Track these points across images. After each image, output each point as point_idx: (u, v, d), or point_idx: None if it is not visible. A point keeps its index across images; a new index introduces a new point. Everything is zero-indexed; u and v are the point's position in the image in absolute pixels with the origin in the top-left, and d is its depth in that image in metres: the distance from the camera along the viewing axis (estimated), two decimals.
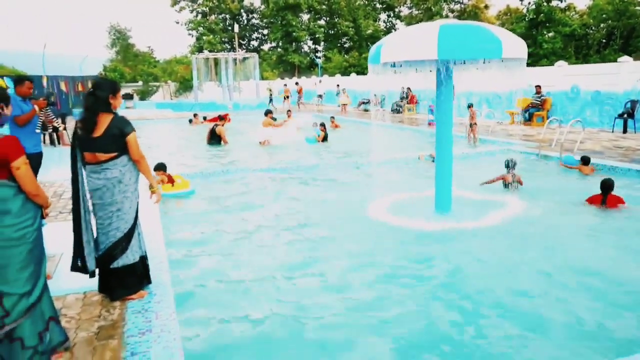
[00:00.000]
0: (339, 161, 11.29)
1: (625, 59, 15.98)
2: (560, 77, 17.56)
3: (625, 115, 14.54)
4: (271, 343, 3.81)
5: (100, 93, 3.93)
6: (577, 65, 19.56)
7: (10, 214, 2.99)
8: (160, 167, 8.47)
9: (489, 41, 5.75)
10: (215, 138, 15.07)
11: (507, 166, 8.41)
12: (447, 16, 57.08)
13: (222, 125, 15.70)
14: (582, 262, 5.32)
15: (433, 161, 8.52)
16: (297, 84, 33.74)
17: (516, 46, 5.98)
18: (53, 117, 14.05)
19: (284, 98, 30.86)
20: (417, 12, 59.07)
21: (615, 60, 16.99)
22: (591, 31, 46.97)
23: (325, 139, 15.17)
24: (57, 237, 5.70)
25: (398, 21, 64.74)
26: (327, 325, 4.04)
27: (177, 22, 63.58)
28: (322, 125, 15.49)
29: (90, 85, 4.47)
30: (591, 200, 7.25)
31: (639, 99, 14.63)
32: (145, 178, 4.18)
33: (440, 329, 3.98)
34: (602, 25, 46.47)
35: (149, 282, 4.24)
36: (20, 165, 3.03)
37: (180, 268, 5.17)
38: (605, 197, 7.09)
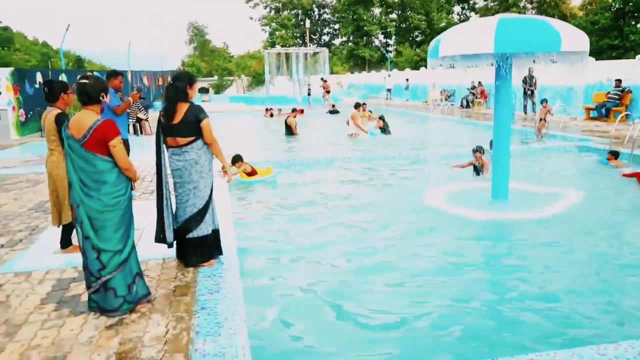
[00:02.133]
0: (400, 153, 11.51)
1: None
2: None
3: None
4: (322, 314, 4.22)
5: (179, 84, 4.50)
6: None
7: (107, 184, 3.63)
8: (238, 159, 9.06)
9: (548, 34, 5.82)
10: (288, 129, 15.86)
11: (474, 150, 8.80)
12: (524, 7, 54.93)
13: (294, 117, 16.34)
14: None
15: (477, 174, 8.70)
16: (322, 79, 33.22)
17: (577, 39, 6.00)
18: (141, 107, 15.72)
19: (325, 93, 31.08)
20: (492, 3, 57.24)
21: None
22: None
23: (384, 131, 15.41)
24: (140, 213, 6.41)
25: (473, 13, 63.02)
26: (374, 305, 4.35)
27: (251, 18, 65.80)
28: (381, 118, 15.77)
29: (170, 78, 5.07)
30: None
31: None
32: (218, 159, 4.70)
33: (493, 315, 4.16)
34: None
35: (220, 252, 4.77)
36: (117, 144, 3.62)
37: (247, 243, 5.72)
38: None
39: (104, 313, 3.72)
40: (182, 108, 4.44)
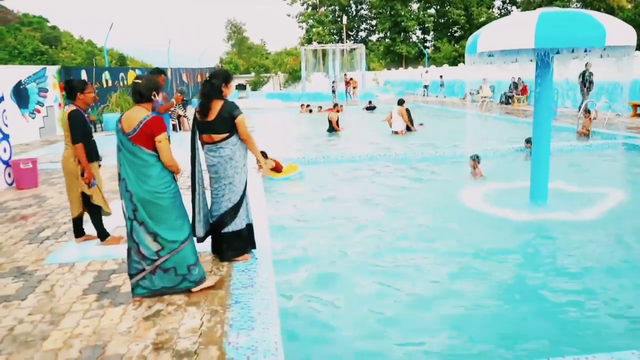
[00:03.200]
0: (435, 152, 11.37)
1: None
2: None
3: None
4: (355, 311, 4.23)
5: (215, 81, 4.57)
6: None
7: (152, 177, 3.86)
8: (263, 155, 9.16)
9: (591, 28, 5.63)
10: (330, 125, 15.95)
11: (471, 159, 8.67)
12: (569, 1, 53.19)
13: (336, 112, 16.39)
14: None
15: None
16: (345, 75, 32.83)
17: (622, 33, 5.77)
18: (183, 109, 16.33)
19: (352, 89, 30.82)
20: None
21: None
22: None
23: (407, 128, 15.36)
24: None
25: (514, 7, 61.43)
26: (409, 304, 4.35)
27: (289, 15, 65.66)
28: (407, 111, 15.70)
29: (207, 75, 5.16)
30: None
31: None
32: (253, 155, 4.75)
33: (529, 317, 4.09)
34: None
35: (254, 247, 4.84)
36: (162, 140, 3.86)
37: (280, 239, 5.79)
38: None
39: (157, 294, 3.95)
40: (217, 105, 4.51)
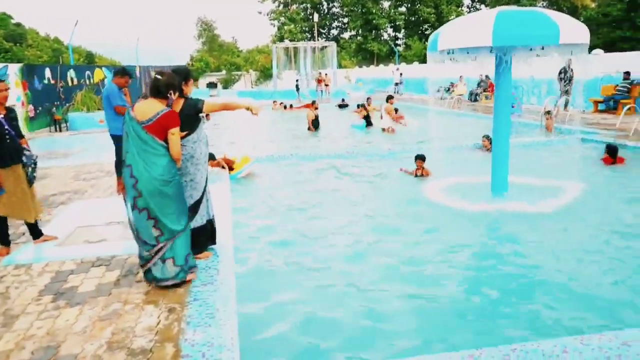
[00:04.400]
0: (400, 147, 11.50)
1: None
2: None
3: None
4: (314, 306, 4.27)
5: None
6: None
7: (160, 166, 3.99)
8: (210, 157, 8.97)
9: (546, 27, 5.79)
10: (315, 122, 15.87)
11: (417, 158, 8.66)
12: (535, 0, 54.23)
13: (314, 109, 16.30)
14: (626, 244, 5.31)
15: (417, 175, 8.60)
16: (320, 73, 32.98)
17: (576, 31, 5.96)
18: None
19: (324, 86, 31.00)
20: None
21: None
22: None
23: (369, 123, 15.49)
24: None
25: (483, 6, 62.41)
26: (370, 298, 4.41)
27: (260, 13, 65.55)
28: (362, 106, 15.97)
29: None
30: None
31: None
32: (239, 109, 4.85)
33: (489, 303, 4.23)
34: None
35: (213, 242, 4.83)
36: (175, 132, 4.05)
37: (243, 235, 5.81)
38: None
39: (159, 284, 4.04)
40: (178, 103, 4.49)
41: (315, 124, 15.71)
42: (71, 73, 20.21)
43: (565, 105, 16.65)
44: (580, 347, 3.03)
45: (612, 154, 9.08)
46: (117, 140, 7.12)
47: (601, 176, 8.52)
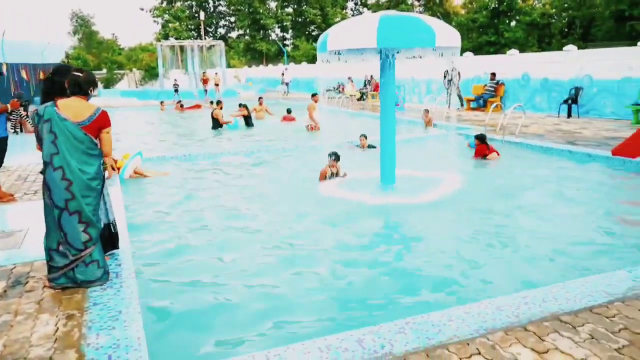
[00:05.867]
0: (296, 145, 11.80)
1: (570, 47, 16.92)
2: (512, 65, 18.43)
3: (570, 101, 15.47)
4: (218, 305, 4.33)
5: (57, 78, 4.36)
6: (527, 54, 20.49)
7: (93, 164, 4.09)
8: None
9: (424, 31, 6.32)
10: (214, 122, 15.81)
11: (330, 156, 8.11)
12: (412, 5, 57.77)
13: (220, 109, 16.10)
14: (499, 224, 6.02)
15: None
16: (204, 73, 32.95)
17: (449, 36, 6.57)
18: (23, 115, 14.54)
19: (214, 86, 31.01)
20: (383, 0, 59.63)
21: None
22: (553, 20, 48.40)
23: (249, 123, 15.97)
24: (23, 215, 6.14)
25: (365, 9, 65.22)
26: (272, 287, 4.56)
27: (142, 9, 62.67)
28: (244, 105, 16.41)
29: (50, 71, 4.87)
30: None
31: (582, 86, 15.57)
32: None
33: (377, 287, 4.54)
34: (563, 14, 47.89)
35: (115, 247, 4.66)
36: (109, 131, 4.17)
37: (141, 237, 5.70)
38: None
39: (83, 286, 3.99)
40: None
41: (215, 122, 15.80)
42: None
43: (448, 103, 18.30)
44: (463, 315, 3.44)
45: (482, 140, 9.92)
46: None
47: (476, 167, 9.46)
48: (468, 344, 3.09)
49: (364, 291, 4.44)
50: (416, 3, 58.65)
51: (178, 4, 61.01)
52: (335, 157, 8.10)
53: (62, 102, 4.03)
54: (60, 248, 4.00)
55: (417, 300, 4.24)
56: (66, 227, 3.96)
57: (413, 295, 4.35)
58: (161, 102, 24.08)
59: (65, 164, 3.91)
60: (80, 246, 3.99)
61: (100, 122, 4.09)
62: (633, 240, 5.43)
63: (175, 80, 31.12)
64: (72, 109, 4.01)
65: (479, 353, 3.00)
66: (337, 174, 8.20)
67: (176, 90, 29.59)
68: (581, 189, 7.65)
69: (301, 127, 15.51)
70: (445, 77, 19.32)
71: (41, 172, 4.10)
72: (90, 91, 4.21)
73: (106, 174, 4.52)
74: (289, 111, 17.88)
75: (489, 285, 4.50)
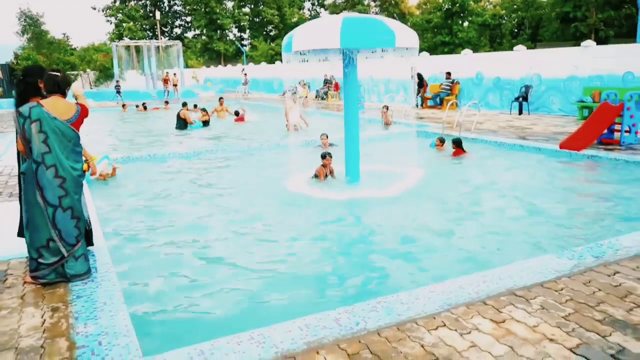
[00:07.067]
0: (261, 144, 11.98)
1: (519, 47, 17.75)
2: (466, 64, 19.16)
3: (521, 99, 16.26)
4: (193, 293, 4.51)
5: (29, 79, 4.45)
6: (480, 54, 21.31)
7: (81, 162, 4.27)
8: None
9: (384, 32, 6.65)
10: (180, 122, 15.81)
11: (323, 157, 8.23)
12: (368, 5, 58.62)
13: (186, 110, 16.20)
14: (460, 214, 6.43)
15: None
16: (167, 74, 32.64)
17: (408, 37, 6.92)
18: None
19: (172, 86, 30.89)
20: (340, 1, 60.26)
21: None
22: (504, 21, 50.20)
23: (206, 123, 16.35)
24: None
25: (322, 10, 65.70)
26: (245, 277, 4.77)
27: (94, 8, 60.99)
28: (203, 110, 16.71)
29: (20, 73, 4.96)
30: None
31: (531, 84, 16.38)
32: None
33: (350, 272, 4.84)
34: (512, 15, 49.75)
35: (91, 244, 4.74)
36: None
37: (116, 232, 5.81)
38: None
39: (72, 280, 4.09)
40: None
41: (181, 122, 15.87)
42: None
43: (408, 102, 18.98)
44: (429, 293, 3.75)
45: (458, 145, 10.09)
46: None
47: (436, 162, 9.89)
48: (434, 318, 3.40)
49: (338, 276, 4.73)
50: (372, 4, 59.58)
51: (132, 3, 59.79)
52: (329, 156, 8.25)
53: (46, 102, 4.11)
54: (51, 245, 4.07)
55: (387, 282, 4.56)
56: (61, 223, 4.08)
57: (384, 278, 4.67)
58: (122, 105, 23.88)
59: (58, 162, 4.04)
60: (73, 241, 4.13)
61: (84, 116, 4.31)
62: (581, 219, 5.95)
63: (117, 81, 30.80)
64: (58, 108, 4.13)
65: (444, 325, 3.31)
66: (331, 173, 8.34)
67: (118, 92, 29.20)
68: (533, 178, 8.20)
69: (269, 127, 15.76)
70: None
71: (22, 173, 4.16)
72: (67, 90, 4.35)
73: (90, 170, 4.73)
74: (237, 113, 18.16)
75: (451, 266, 4.86)
